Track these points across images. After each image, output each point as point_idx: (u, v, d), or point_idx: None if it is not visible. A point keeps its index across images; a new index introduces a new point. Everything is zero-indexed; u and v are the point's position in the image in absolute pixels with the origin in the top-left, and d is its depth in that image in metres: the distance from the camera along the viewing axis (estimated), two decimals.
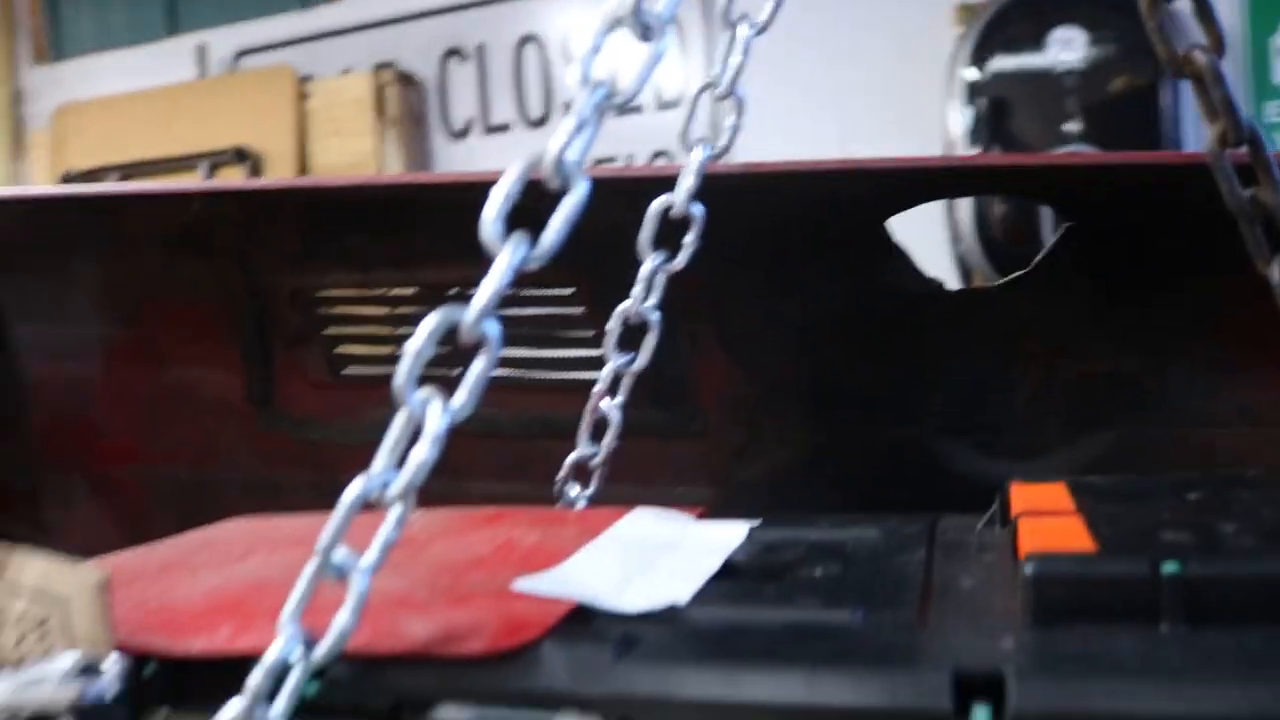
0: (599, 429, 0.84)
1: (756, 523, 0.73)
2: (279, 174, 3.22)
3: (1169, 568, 0.51)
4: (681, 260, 0.78)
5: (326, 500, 1.05)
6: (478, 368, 0.53)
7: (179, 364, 1.17)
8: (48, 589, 0.59)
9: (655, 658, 0.51)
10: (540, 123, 3.48)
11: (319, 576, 0.51)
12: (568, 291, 1.04)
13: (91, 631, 0.57)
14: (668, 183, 0.79)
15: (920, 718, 0.47)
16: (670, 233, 0.78)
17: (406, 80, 3.50)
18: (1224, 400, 0.98)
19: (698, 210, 0.77)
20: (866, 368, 1.03)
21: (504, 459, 1.11)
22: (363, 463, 1.32)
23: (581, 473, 0.85)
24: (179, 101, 3.47)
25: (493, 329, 0.53)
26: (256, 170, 3.27)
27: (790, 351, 1.05)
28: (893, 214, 0.92)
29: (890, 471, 1.04)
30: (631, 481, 0.88)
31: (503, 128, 3.53)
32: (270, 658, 0.50)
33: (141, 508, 1.22)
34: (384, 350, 1.11)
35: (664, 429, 1.08)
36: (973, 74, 2.65)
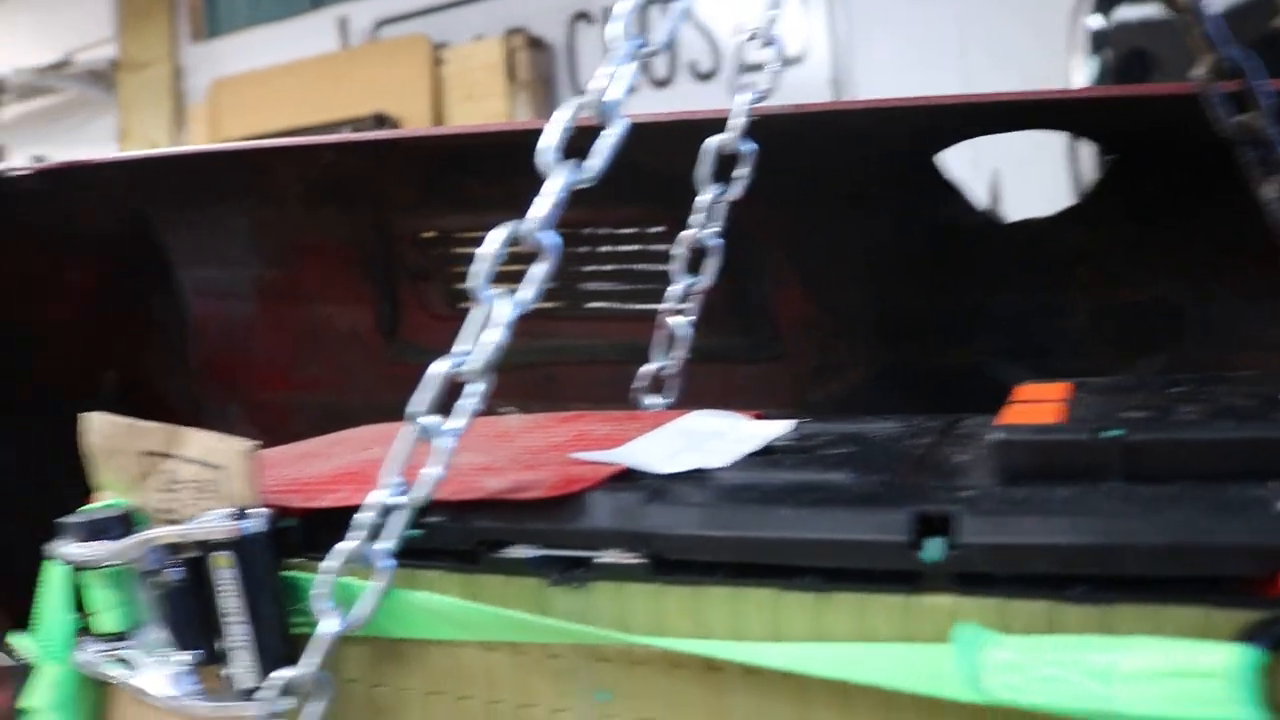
0: (672, 344, 0.97)
1: (804, 419, 0.85)
2: None
3: (1111, 433, 0.61)
4: (736, 191, 0.90)
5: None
6: (538, 270, 0.66)
7: (318, 301, 1.34)
8: (209, 459, 0.75)
9: (678, 503, 0.64)
10: (664, 83, 3.61)
11: (414, 437, 0.66)
12: (660, 230, 1.17)
13: (242, 491, 0.73)
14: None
15: (883, 548, 0.58)
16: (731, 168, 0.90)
17: (536, 45, 3.66)
18: (1270, 324, 1.04)
19: (747, 147, 0.89)
20: (929, 295, 1.13)
21: (603, 382, 1.25)
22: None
23: (657, 384, 0.97)
24: (323, 72, 3.72)
25: (549, 238, 0.66)
26: None
27: (860, 280, 1.16)
28: (942, 148, 1.02)
29: (951, 392, 1.14)
30: (715, 403, 1.00)
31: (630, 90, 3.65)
32: (375, 500, 0.65)
33: (288, 430, 1.40)
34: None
35: (747, 354, 1.20)
36: (1098, 22, 2.66)
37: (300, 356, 1.38)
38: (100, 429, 0.81)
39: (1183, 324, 1.06)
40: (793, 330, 1.19)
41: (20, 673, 0.82)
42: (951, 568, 0.57)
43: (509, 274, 1.35)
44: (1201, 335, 1.07)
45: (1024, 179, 2.89)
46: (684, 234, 0.91)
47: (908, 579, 0.58)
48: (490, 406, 0.98)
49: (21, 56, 3.78)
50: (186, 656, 0.72)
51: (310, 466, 0.84)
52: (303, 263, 1.33)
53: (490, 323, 0.66)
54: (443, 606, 0.68)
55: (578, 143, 0.69)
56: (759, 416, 0.89)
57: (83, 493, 0.91)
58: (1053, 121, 0.97)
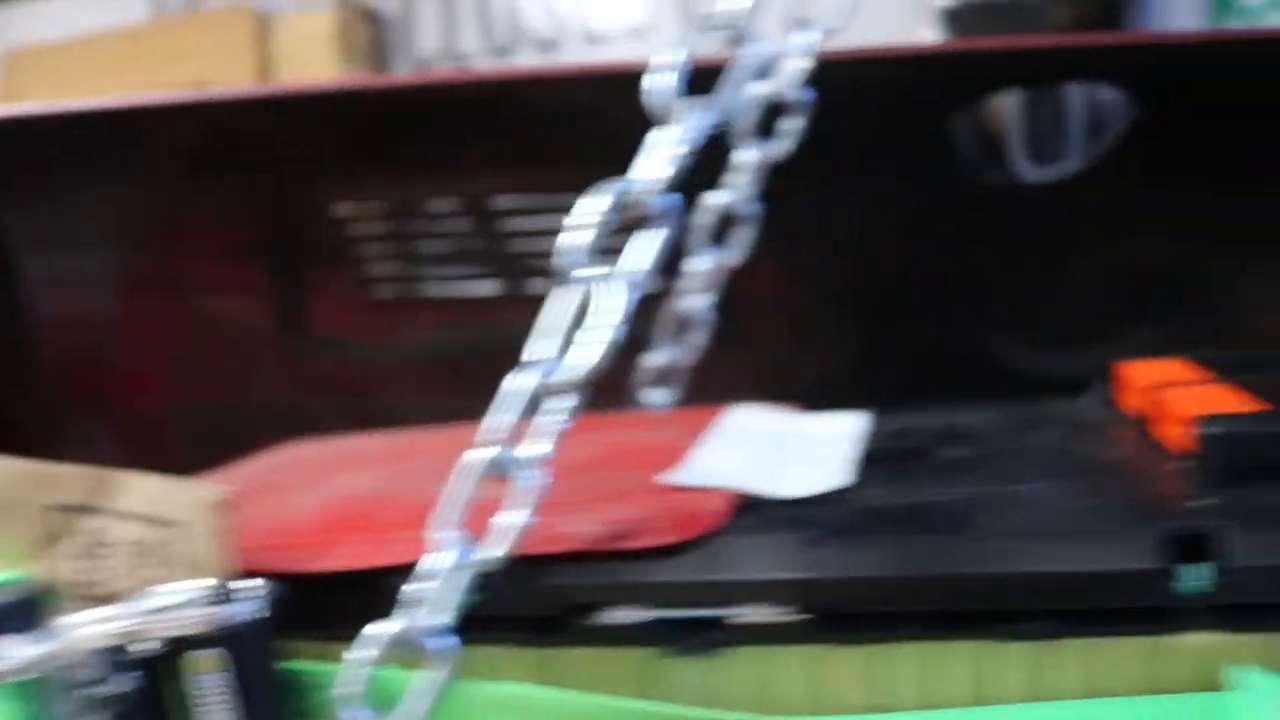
0: (681, 331, 0.79)
1: (862, 414, 0.69)
2: None
3: None
4: (785, 148, 0.73)
5: (362, 425, 0.99)
6: (655, 240, 0.48)
7: (201, 291, 1.09)
8: (159, 513, 0.53)
9: (841, 540, 0.47)
10: (506, 53, 3.37)
11: (483, 472, 0.46)
12: None
13: (208, 555, 0.51)
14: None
15: (1126, 579, 0.43)
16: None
17: (369, 15, 3.37)
18: (1274, 288, 0.95)
19: (806, 95, 0.71)
20: (918, 264, 0.99)
21: None
22: (400, 385, 1.25)
23: (663, 378, 0.80)
24: (134, 44, 3.31)
25: (669, 201, 0.48)
26: None
27: (839, 250, 1.00)
28: (959, 104, 0.87)
29: (941, 368, 1.01)
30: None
31: (468, 58, 3.40)
32: (432, 564, 0.45)
33: (166, 444, 1.16)
34: (422, 269, 1.05)
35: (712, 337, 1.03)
36: None
37: (178, 357, 1.12)
38: None
39: (1189, 288, 0.96)
40: (764, 309, 1.02)
41: None
42: (1215, 599, 0.43)
43: (439, 254, 1.13)
44: (1204, 299, 0.97)
45: None
46: (711, 199, 0.73)
47: (1157, 616, 0.43)
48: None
49: None
50: None
51: (265, 508, 0.62)
52: (182, 245, 1.07)
53: (597, 313, 0.47)
54: (513, 696, 0.48)
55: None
56: (801, 409, 0.74)
57: None
58: (1102, 70, 0.84)
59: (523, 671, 0.49)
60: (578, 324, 0.47)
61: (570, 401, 0.47)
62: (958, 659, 0.45)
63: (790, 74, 0.69)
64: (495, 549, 0.46)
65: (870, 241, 0.98)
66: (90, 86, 3.23)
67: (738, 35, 0.48)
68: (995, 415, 0.66)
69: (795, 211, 0.99)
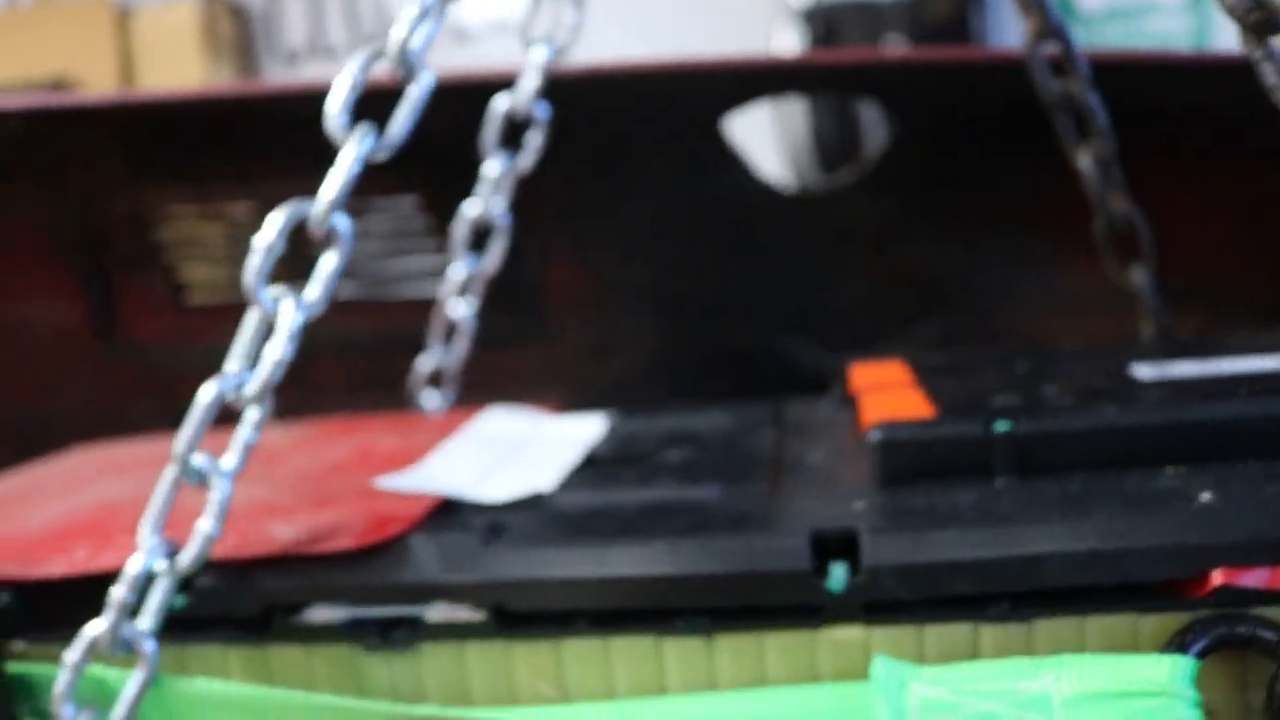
0: (450, 335, 0.82)
1: (611, 415, 0.73)
2: None
3: (1000, 426, 0.53)
4: (527, 162, 0.76)
5: (177, 427, 1.00)
6: (329, 263, 0.51)
7: (8, 298, 1.09)
8: None
9: (522, 542, 0.50)
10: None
11: (178, 483, 0.49)
12: (411, 202, 1.01)
13: None
14: (510, 84, 0.77)
15: (781, 579, 0.47)
16: (516, 134, 0.76)
17: (234, 8, 3.32)
18: (1040, 289, 1.02)
19: (542, 111, 0.75)
20: (710, 268, 1.03)
21: (359, 376, 1.08)
22: None
23: (435, 380, 0.83)
24: None
25: (343, 223, 0.50)
26: None
27: (637, 254, 1.04)
28: (727, 112, 0.92)
29: (734, 368, 1.06)
30: (482, 390, 0.86)
31: (336, 51, 3.37)
32: (133, 569, 0.48)
33: None
34: (228, 271, 1.06)
35: (514, 336, 1.06)
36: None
37: None
38: None
39: (960, 290, 1.02)
40: (566, 309, 1.06)
41: None
42: (860, 596, 0.47)
43: (241, 256, 1.14)
44: (975, 301, 1.03)
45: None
46: (466, 209, 0.76)
47: (810, 612, 0.47)
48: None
49: None
50: None
51: (25, 513, 0.63)
52: None
53: (272, 332, 0.50)
54: (224, 694, 0.51)
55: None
56: (555, 410, 0.77)
57: None
58: (843, 84, 0.89)
59: (233, 669, 0.52)
60: (264, 341, 0.50)
61: (259, 412, 0.50)
62: (629, 654, 0.48)
63: (525, 90, 0.72)
64: (191, 554, 0.48)
65: (665, 247, 1.02)
66: None
67: (409, 66, 0.51)
68: (724, 417, 0.70)
69: (596, 218, 1.03)
